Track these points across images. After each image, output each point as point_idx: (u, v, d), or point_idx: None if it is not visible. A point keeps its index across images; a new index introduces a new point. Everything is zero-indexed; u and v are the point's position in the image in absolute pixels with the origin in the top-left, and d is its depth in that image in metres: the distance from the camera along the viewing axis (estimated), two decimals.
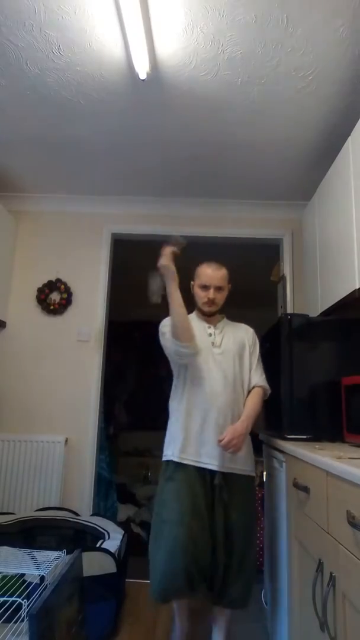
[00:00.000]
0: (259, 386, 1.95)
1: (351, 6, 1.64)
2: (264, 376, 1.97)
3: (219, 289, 1.94)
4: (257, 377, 1.95)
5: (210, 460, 1.79)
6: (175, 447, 1.83)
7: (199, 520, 1.73)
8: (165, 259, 1.82)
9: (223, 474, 1.80)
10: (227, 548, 1.77)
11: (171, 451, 1.85)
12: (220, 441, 1.73)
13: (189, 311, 1.93)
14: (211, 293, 1.92)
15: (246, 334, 2.01)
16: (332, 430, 1.87)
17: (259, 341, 2.06)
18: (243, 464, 1.85)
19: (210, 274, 1.93)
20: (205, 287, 1.93)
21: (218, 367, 1.87)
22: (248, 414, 1.85)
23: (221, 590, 1.79)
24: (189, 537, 1.69)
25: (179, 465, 1.81)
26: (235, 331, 2.00)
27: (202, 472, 1.79)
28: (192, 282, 1.98)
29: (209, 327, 1.97)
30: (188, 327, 1.83)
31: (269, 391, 1.97)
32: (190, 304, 1.96)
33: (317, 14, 1.68)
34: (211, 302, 1.92)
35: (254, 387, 1.94)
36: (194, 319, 1.98)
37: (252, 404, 1.89)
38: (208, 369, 1.87)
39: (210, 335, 1.94)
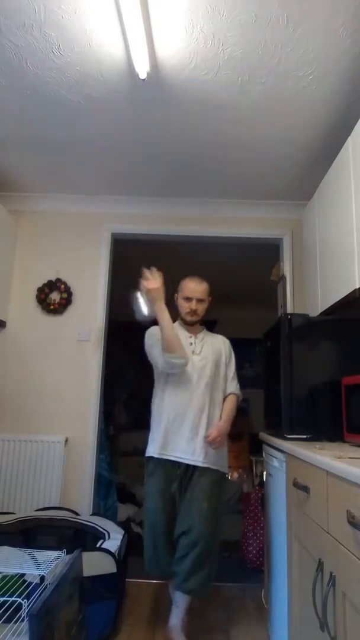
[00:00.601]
0: (234, 394, 2.22)
1: (351, 6, 1.64)
2: (238, 385, 2.26)
3: (200, 301, 2.18)
4: (233, 386, 2.23)
5: (185, 455, 2.03)
6: (156, 445, 2.08)
7: (172, 506, 2.03)
8: (155, 282, 2.03)
9: (196, 467, 2.03)
10: (186, 524, 1.97)
11: (152, 448, 2.10)
12: (207, 437, 2.01)
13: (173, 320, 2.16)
14: (193, 304, 2.16)
15: (223, 345, 2.26)
16: (332, 430, 1.87)
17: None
18: (216, 460, 2.07)
19: (193, 287, 2.17)
20: (188, 299, 2.17)
21: (197, 373, 2.10)
22: (227, 416, 2.13)
23: (182, 577, 1.95)
24: (165, 524, 2.01)
25: (158, 462, 2.06)
26: (214, 341, 2.24)
27: (177, 465, 2.04)
28: (175, 295, 2.22)
29: (190, 337, 2.20)
30: (179, 341, 2.07)
31: (241, 397, 2.27)
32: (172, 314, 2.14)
33: (317, 14, 1.67)
34: (193, 312, 2.17)
35: (229, 394, 2.20)
36: (177, 327, 2.19)
37: (229, 409, 2.16)
38: (188, 374, 2.09)
39: (191, 344, 2.18)
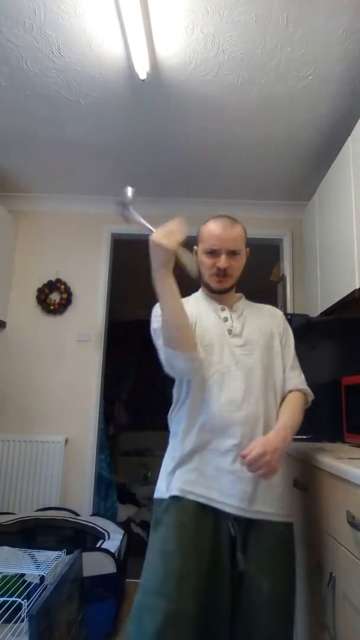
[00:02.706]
0: (299, 390, 1.39)
1: (351, 6, 1.64)
2: (303, 377, 1.43)
3: (232, 254, 1.36)
4: (296, 379, 1.40)
5: (226, 498, 1.20)
6: (173, 478, 1.27)
7: (204, 596, 1.13)
8: (174, 238, 1.19)
9: (247, 522, 1.21)
10: (248, 634, 1.17)
11: (164, 484, 1.28)
12: (243, 457, 1.13)
13: (190, 291, 1.42)
14: (222, 260, 1.34)
15: (273, 318, 1.46)
16: (332, 430, 1.87)
17: None
18: (278, 503, 1.24)
19: (220, 233, 1.36)
20: (213, 253, 1.36)
21: (239, 366, 1.30)
22: (285, 423, 1.26)
23: None
24: (183, 620, 1.09)
25: (175, 503, 1.22)
26: (259, 315, 1.44)
27: (212, 517, 1.21)
28: (194, 248, 1.42)
29: (223, 310, 1.40)
30: (187, 330, 1.26)
31: (312, 397, 1.42)
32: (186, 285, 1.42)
33: (317, 14, 1.67)
34: (223, 273, 1.35)
35: (290, 392, 1.38)
36: (199, 299, 1.45)
37: (290, 412, 1.32)
38: (224, 369, 1.30)
39: (225, 319, 1.38)
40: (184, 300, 1.29)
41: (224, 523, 1.20)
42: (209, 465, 1.24)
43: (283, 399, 1.36)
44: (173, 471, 1.27)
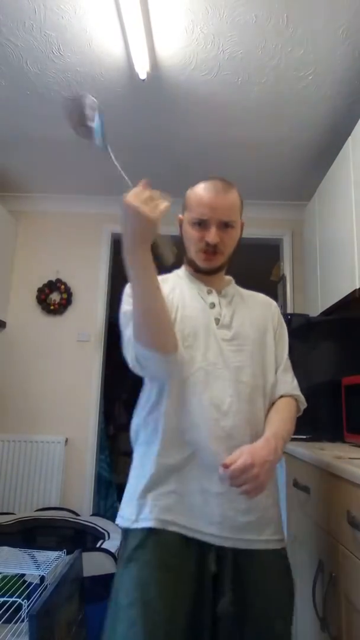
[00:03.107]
0: (291, 396, 1.16)
1: (351, 6, 1.64)
2: (295, 381, 1.19)
3: (225, 226, 1.11)
4: (288, 383, 1.16)
5: (214, 528, 0.98)
6: (146, 504, 1.00)
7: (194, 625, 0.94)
8: (158, 208, 0.92)
9: (234, 553, 0.98)
10: None
11: (133, 511, 1.01)
12: (226, 467, 0.89)
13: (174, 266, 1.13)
14: (212, 234, 1.08)
15: (268, 310, 1.22)
16: (332, 430, 1.87)
17: None
18: (273, 527, 1.04)
19: (211, 200, 1.11)
20: (201, 225, 1.11)
21: (226, 364, 1.06)
22: (276, 432, 1.02)
23: None
24: None
25: (153, 537, 0.97)
26: (252, 304, 1.21)
27: (197, 551, 0.98)
28: (179, 217, 1.21)
29: (210, 293, 1.15)
30: (166, 326, 0.99)
31: (304, 405, 1.20)
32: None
33: (317, 14, 1.67)
34: (212, 249, 1.10)
35: (281, 397, 1.15)
36: (181, 278, 1.20)
37: (281, 420, 1.08)
38: (208, 366, 1.05)
39: (212, 305, 1.13)
40: (160, 279, 1.00)
41: (210, 557, 0.97)
42: (190, 486, 1.00)
43: (272, 405, 1.12)
44: (144, 494, 1.01)
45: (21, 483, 2.86)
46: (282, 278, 3.21)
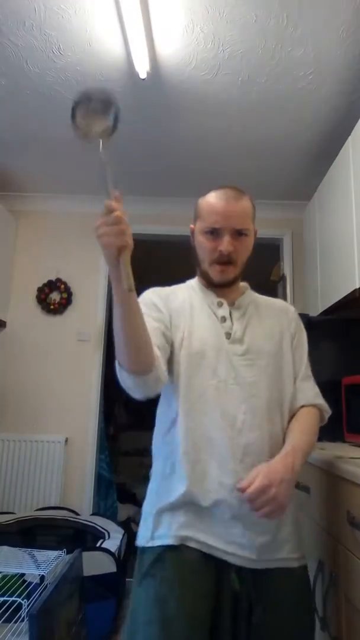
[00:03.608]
0: (314, 405, 1.12)
1: (351, 6, 1.64)
2: (317, 389, 1.16)
3: (238, 234, 1.09)
4: (309, 391, 1.13)
5: (232, 547, 0.96)
6: (160, 521, 1.00)
7: None
8: (123, 238, 0.85)
9: (253, 573, 0.97)
10: None
11: (150, 527, 1.01)
12: (242, 490, 0.89)
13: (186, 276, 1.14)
14: (225, 243, 1.06)
15: (285, 316, 1.18)
16: (332, 430, 1.86)
17: None
18: (290, 545, 1.01)
19: (224, 208, 1.08)
20: (214, 234, 1.08)
21: (238, 380, 1.03)
22: (295, 446, 0.99)
23: None
24: None
25: (171, 553, 0.96)
26: (268, 313, 1.16)
27: (215, 570, 0.96)
28: (190, 226, 1.17)
29: (220, 305, 1.11)
30: (143, 348, 0.93)
31: (329, 413, 1.16)
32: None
33: (317, 14, 1.67)
34: (226, 259, 1.07)
35: (302, 407, 1.10)
36: (194, 289, 1.17)
37: (301, 431, 1.04)
38: (219, 384, 1.03)
39: (223, 319, 1.09)
40: (170, 291, 1.10)
41: (227, 577, 0.96)
42: (207, 505, 0.97)
43: (292, 417, 1.08)
44: (160, 512, 1.00)
45: (21, 483, 2.86)
46: (282, 278, 3.21)
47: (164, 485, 1.02)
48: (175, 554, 0.95)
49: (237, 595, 0.95)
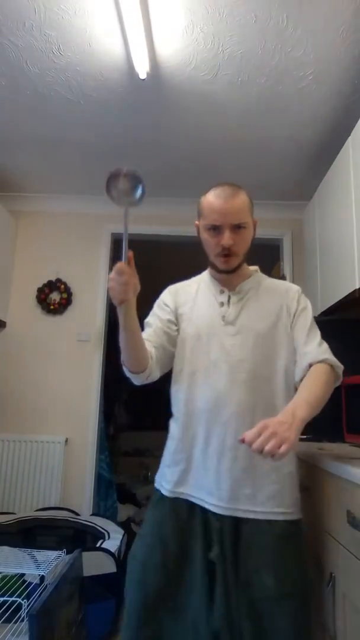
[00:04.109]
0: (322, 361, 1.19)
1: (351, 6, 1.64)
2: (325, 345, 1.23)
3: (237, 228, 1.21)
4: (313, 351, 1.20)
5: (209, 497, 1.15)
6: (163, 474, 1.25)
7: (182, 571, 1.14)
8: (123, 290, 1.05)
9: (232, 519, 1.13)
10: (258, 632, 1.06)
11: (159, 479, 1.27)
12: (242, 441, 0.95)
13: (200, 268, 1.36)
14: (226, 237, 1.19)
15: (286, 295, 1.28)
16: (332, 430, 1.87)
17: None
18: (274, 501, 1.13)
19: (221, 206, 1.20)
20: (215, 230, 1.21)
21: (226, 358, 1.19)
22: (297, 401, 1.07)
23: None
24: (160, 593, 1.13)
25: (166, 497, 1.21)
26: (269, 295, 1.28)
27: (200, 511, 1.17)
28: (195, 223, 1.32)
29: (222, 292, 1.28)
30: (140, 356, 1.18)
31: (341, 367, 1.23)
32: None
33: (317, 14, 1.67)
34: (227, 251, 1.21)
35: (311, 366, 1.18)
36: (203, 282, 1.35)
37: (308, 387, 1.12)
38: (210, 364, 1.20)
39: (221, 304, 1.26)
40: (185, 284, 1.37)
41: (212, 518, 1.15)
42: (195, 464, 1.19)
43: (303, 377, 1.18)
44: (164, 469, 1.27)
45: (21, 483, 2.86)
46: (282, 278, 3.21)
47: (169, 445, 1.27)
48: (171, 499, 1.21)
49: (211, 537, 1.14)
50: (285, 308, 1.26)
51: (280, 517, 1.12)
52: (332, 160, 2.27)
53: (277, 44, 1.82)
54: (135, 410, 5.50)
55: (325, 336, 1.86)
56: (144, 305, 1.34)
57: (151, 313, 1.33)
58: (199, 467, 1.18)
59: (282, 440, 0.92)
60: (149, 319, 1.32)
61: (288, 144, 2.50)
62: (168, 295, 1.35)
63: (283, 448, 0.91)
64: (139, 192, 1.17)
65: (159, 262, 3.85)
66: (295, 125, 2.33)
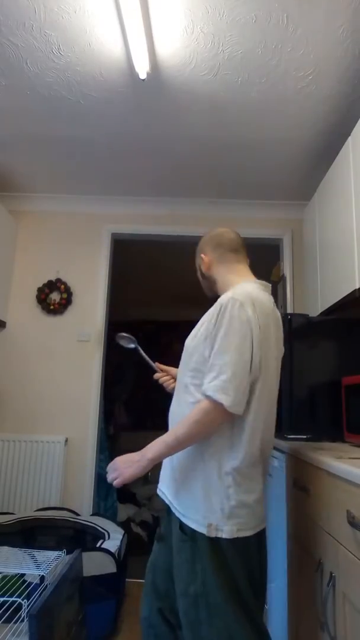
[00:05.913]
0: (205, 397, 1.15)
1: (351, 6, 1.64)
2: (220, 379, 1.13)
3: (199, 273, 1.52)
4: (206, 384, 1.16)
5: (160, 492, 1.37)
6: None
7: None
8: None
9: (167, 513, 1.34)
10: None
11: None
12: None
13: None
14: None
15: (214, 311, 1.23)
16: (332, 430, 1.87)
17: None
18: (184, 506, 1.22)
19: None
20: None
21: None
22: (160, 440, 1.18)
23: None
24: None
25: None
26: (207, 313, 1.29)
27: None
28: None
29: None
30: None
31: (227, 403, 1.11)
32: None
33: (317, 14, 1.67)
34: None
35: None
36: None
37: (176, 425, 1.18)
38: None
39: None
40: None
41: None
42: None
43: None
44: None
45: (21, 483, 2.86)
46: (282, 278, 3.21)
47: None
48: None
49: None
50: (207, 322, 1.23)
51: (184, 519, 1.23)
52: (332, 160, 2.27)
53: (277, 44, 1.82)
54: (135, 410, 5.51)
55: (325, 336, 1.88)
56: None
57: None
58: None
59: (118, 475, 1.18)
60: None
61: (288, 144, 2.50)
62: None
63: (116, 481, 1.18)
64: (133, 344, 1.72)
65: (158, 262, 3.85)
66: (296, 125, 2.33)
